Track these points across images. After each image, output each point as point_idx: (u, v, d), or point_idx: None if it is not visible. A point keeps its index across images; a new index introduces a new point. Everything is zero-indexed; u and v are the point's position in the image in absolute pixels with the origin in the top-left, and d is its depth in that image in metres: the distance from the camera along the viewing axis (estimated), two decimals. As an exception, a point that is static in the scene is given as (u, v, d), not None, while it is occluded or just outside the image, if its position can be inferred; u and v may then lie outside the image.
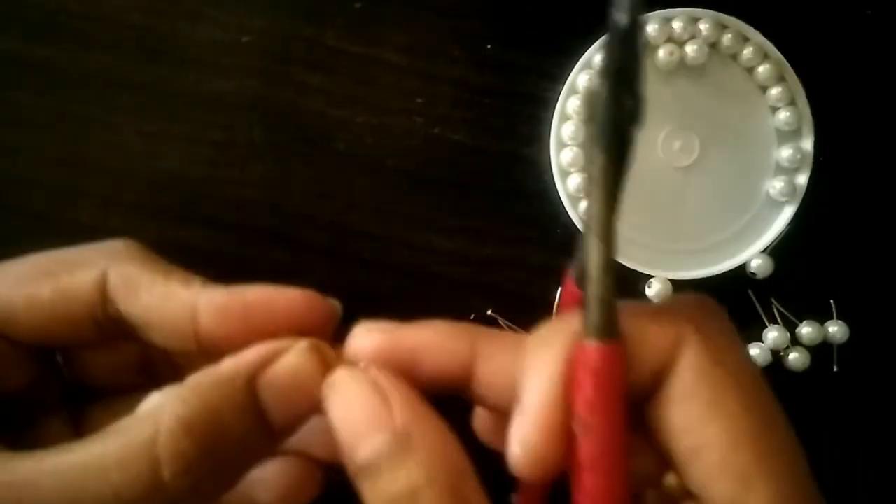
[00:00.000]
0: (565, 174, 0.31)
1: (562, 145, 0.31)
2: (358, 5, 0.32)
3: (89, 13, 0.31)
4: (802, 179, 0.32)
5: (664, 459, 0.19)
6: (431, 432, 0.19)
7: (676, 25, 0.31)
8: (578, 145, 0.31)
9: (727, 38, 0.31)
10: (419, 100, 0.32)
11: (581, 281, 0.18)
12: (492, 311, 0.32)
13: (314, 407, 0.20)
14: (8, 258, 0.24)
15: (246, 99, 0.32)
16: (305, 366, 0.20)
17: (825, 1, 0.32)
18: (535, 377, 0.19)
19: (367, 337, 0.20)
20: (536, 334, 0.20)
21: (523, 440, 0.18)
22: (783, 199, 0.32)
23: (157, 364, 0.26)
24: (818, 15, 0.32)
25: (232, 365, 0.20)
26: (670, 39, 0.31)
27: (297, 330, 0.22)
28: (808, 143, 0.32)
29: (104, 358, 0.25)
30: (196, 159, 0.32)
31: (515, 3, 0.32)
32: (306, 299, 0.23)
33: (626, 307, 0.19)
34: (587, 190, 0.17)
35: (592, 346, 0.18)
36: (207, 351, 0.23)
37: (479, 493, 0.19)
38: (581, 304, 0.18)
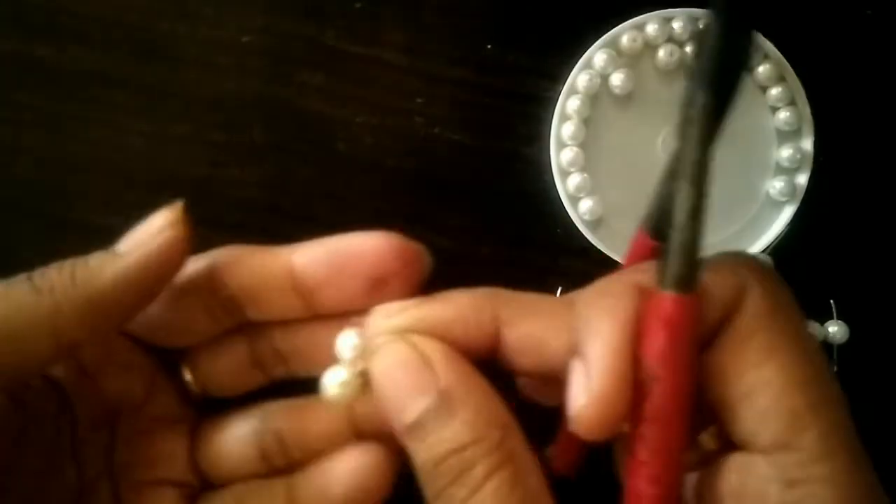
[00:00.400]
0: (565, 174, 0.31)
1: (562, 145, 0.31)
2: (358, 5, 0.32)
3: (89, 13, 0.31)
4: (802, 179, 0.32)
5: (705, 415, 0.19)
6: (475, 391, 0.19)
7: (676, 25, 0.31)
8: (579, 145, 0.31)
9: None
10: (419, 100, 0.32)
11: (659, 230, 0.18)
12: (492, 311, 0.32)
13: None
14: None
15: (246, 99, 0.32)
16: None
17: (825, 1, 0.32)
18: (600, 328, 0.18)
19: (386, 321, 0.21)
20: (596, 287, 0.20)
21: (591, 393, 0.18)
22: (783, 199, 0.32)
23: (266, 358, 0.27)
24: (818, 15, 0.32)
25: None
26: (670, 39, 0.31)
27: (388, 271, 0.23)
28: (808, 143, 0.32)
29: (222, 360, 0.26)
30: (196, 159, 0.32)
31: (515, 3, 0.32)
32: (389, 242, 0.24)
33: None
34: (680, 130, 0.16)
35: (669, 297, 0.17)
36: (312, 307, 0.24)
37: (525, 448, 0.19)
38: (654, 254, 0.18)
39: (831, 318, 0.32)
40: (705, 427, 0.21)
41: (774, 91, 0.31)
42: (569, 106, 0.31)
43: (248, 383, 0.27)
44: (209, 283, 0.24)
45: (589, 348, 0.18)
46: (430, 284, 0.32)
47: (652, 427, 0.18)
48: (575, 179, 0.31)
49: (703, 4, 0.31)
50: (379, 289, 0.24)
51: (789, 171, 0.32)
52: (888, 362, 0.33)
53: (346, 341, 0.21)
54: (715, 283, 0.19)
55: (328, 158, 0.32)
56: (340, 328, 0.22)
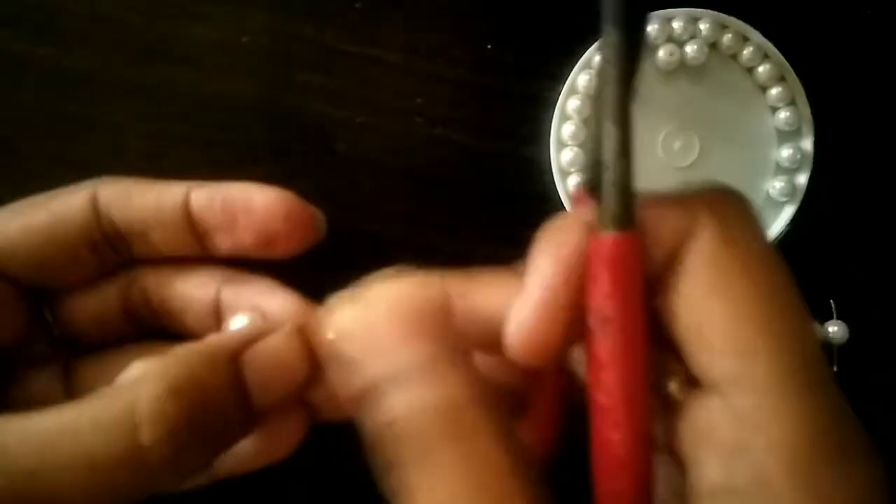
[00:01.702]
0: (565, 174, 0.31)
1: (562, 145, 0.31)
2: (358, 5, 0.32)
3: (89, 13, 0.31)
4: (802, 179, 0.32)
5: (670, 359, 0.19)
6: (447, 358, 0.19)
7: (676, 25, 0.31)
8: (579, 145, 0.31)
9: (727, 38, 0.31)
10: (419, 100, 0.32)
11: (593, 178, 0.18)
12: (492, 311, 0.32)
13: (295, 388, 0.20)
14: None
15: (246, 99, 0.32)
16: (289, 348, 0.20)
17: (825, 1, 0.32)
18: (537, 262, 0.18)
19: (341, 315, 0.20)
20: (544, 227, 0.19)
21: (520, 319, 0.18)
22: (783, 199, 0.32)
23: (139, 310, 0.26)
24: (818, 15, 0.32)
25: (216, 340, 0.20)
26: (670, 39, 0.31)
27: (277, 230, 0.24)
28: (808, 143, 0.32)
29: (90, 305, 0.25)
30: (196, 159, 0.32)
31: (515, 3, 0.32)
32: (281, 201, 0.25)
33: (640, 196, 0.18)
34: (601, 73, 0.16)
35: (609, 237, 0.17)
36: (206, 249, 0.24)
37: (487, 424, 0.18)
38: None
39: (831, 318, 0.32)
40: (677, 370, 0.20)
41: (774, 91, 0.31)
42: (569, 106, 0.31)
43: (116, 332, 0.26)
44: (94, 215, 0.24)
45: (527, 280, 0.19)
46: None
47: (609, 371, 0.18)
48: (575, 180, 0.31)
49: (703, 4, 0.31)
50: (268, 245, 0.24)
51: (789, 171, 0.32)
52: (888, 362, 0.33)
53: (238, 324, 0.22)
54: (665, 218, 0.18)
55: (328, 158, 0.32)
56: (215, 287, 0.23)
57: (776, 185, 0.32)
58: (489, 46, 0.32)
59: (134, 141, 0.32)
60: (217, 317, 0.25)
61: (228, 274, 0.26)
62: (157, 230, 0.24)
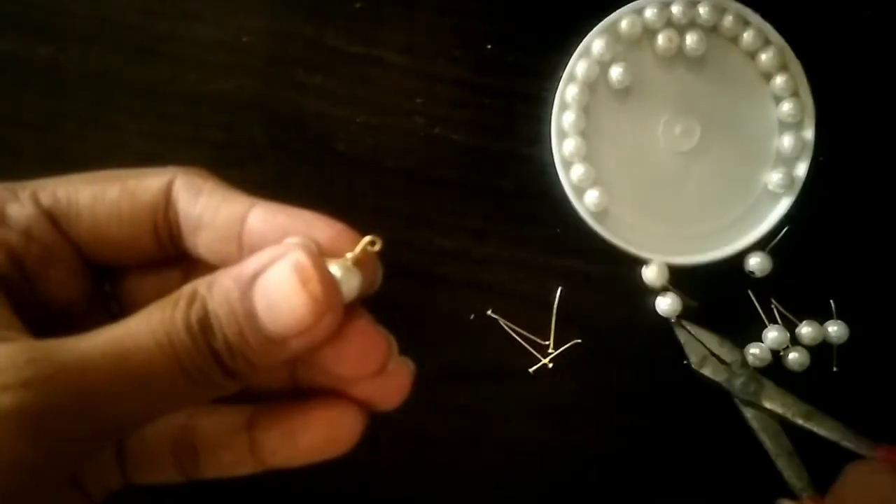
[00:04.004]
0: (567, 165, 0.31)
1: (563, 135, 0.31)
2: (358, 5, 0.32)
3: (89, 13, 0.31)
4: (801, 171, 0.32)
5: None
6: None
7: (675, 10, 0.31)
8: (580, 134, 0.31)
9: (727, 21, 0.31)
10: (419, 100, 0.32)
11: None
12: (492, 311, 0.32)
13: (302, 325, 0.20)
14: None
15: (246, 99, 0.32)
16: (289, 279, 0.21)
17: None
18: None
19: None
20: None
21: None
22: (781, 190, 0.32)
23: None
24: (822, 4, 0.32)
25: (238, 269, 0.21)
26: (669, 24, 0.31)
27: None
28: (809, 133, 0.32)
29: (151, 287, 0.25)
30: (196, 159, 0.32)
31: (515, 3, 0.32)
32: (341, 234, 0.23)
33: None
34: None
35: None
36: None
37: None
38: None
39: (831, 318, 0.32)
40: None
41: (778, 80, 0.31)
42: (568, 93, 0.31)
43: None
44: (165, 202, 0.24)
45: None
46: (430, 284, 0.32)
47: None
48: (578, 170, 0.31)
49: None
50: None
51: (789, 162, 0.32)
52: (888, 362, 0.32)
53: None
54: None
55: (328, 158, 0.32)
56: None
57: (773, 178, 0.31)
58: (489, 46, 0.32)
59: (134, 141, 0.32)
60: None
61: None
62: (208, 232, 0.24)
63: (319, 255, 0.21)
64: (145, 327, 0.20)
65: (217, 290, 0.20)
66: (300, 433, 0.24)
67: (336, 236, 0.23)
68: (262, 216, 0.23)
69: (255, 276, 0.20)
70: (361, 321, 0.22)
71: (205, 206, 0.23)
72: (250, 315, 0.20)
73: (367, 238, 0.22)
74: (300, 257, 0.20)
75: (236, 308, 0.20)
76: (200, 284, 0.21)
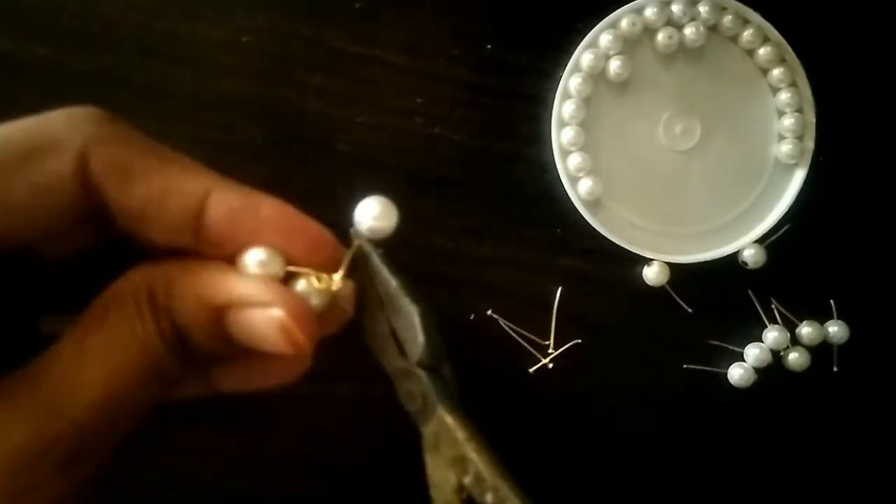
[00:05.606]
0: (566, 153, 0.31)
1: (562, 123, 0.31)
2: (358, 5, 0.32)
3: (89, 13, 0.31)
4: (801, 174, 0.32)
5: None
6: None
7: (675, 8, 0.31)
8: (579, 124, 0.31)
9: (727, 20, 0.31)
10: (419, 100, 0.32)
11: None
12: (492, 311, 0.32)
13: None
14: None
15: (246, 99, 0.32)
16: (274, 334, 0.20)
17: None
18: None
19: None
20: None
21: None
22: (778, 187, 0.32)
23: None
24: (820, 1, 0.32)
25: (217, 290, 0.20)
26: (669, 22, 0.31)
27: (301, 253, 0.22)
28: (810, 129, 0.32)
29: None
30: (196, 159, 0.32)
31: (515, 3, 0.32)
32: (319, 235, 0.23)
33: None
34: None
35: None
36: (205, 248, 0.21)
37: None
38: None
39: (831, 318, 0.32)
40: None
41: (776, 72, 0.31)
42: (571, 84, 0.31)
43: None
44: (84, 188, 0.20)
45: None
46: (430, 284, 0.32)
47: None
48: (575, 159, 0.31)
49: None
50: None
51: (791, 142, 0.32)
52: (888, 362, 0.33)
53: (253, 257, 0.21)
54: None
55: (328, 158, 0.32)
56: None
57: (781, 153, 0.32)
58: (489, 46, 0.32)
59: (134, 141, 0.32)
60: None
61: None
62: (155, 225, 0.21)
63: (309, 311, 0.21)
64: (122, 357, 0.19)
65: (181, 309, 0.20)
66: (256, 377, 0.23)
67: (314, 250, 0.22)
68: (228, 218, 0.21)
69: (227, 307, 0.20)
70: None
71: (145, 197, 0.20)
72: (223, 337, 0.20)
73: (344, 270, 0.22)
74: (287, 323, 0.20)
75: (207, 330, 0.20)
76: (157, 287, 0.20)
